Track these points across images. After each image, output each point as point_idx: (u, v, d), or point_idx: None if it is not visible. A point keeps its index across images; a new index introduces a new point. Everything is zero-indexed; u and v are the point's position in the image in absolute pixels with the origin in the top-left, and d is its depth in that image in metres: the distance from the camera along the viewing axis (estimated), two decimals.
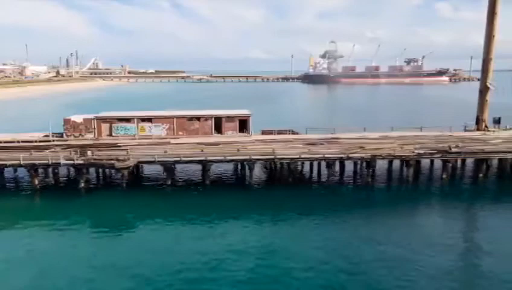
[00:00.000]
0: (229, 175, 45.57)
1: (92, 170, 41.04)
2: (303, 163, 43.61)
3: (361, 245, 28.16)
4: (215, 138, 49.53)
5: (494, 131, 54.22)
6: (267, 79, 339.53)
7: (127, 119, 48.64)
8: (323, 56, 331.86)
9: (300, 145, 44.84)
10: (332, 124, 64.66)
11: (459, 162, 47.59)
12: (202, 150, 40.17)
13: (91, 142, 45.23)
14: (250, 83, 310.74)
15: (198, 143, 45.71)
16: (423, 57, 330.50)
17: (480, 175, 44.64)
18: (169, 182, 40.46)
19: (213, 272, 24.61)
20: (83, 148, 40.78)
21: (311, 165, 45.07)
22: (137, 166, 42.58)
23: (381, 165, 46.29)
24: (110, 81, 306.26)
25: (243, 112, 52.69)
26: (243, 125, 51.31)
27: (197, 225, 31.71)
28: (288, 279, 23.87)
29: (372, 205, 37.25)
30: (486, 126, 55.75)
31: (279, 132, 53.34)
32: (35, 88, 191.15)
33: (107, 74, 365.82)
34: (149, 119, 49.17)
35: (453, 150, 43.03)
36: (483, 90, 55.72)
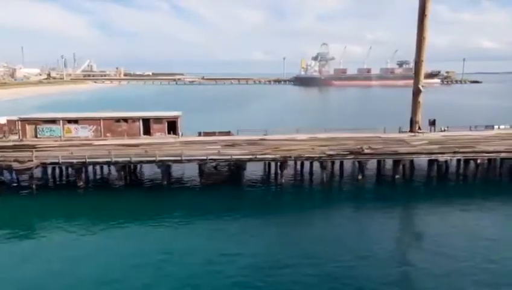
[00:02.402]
0: (144, 176, 46.05)
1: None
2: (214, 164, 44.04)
3: (264, 248, 28.26)
4: (143, 139, 49.98)
5: (424, 133, 54.41)
6: (259, 81, 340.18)
7: (52, 121, 49.17)
8: (315, 58, 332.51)
9: (219, 147, 45.24)
10: (285, 125, 64.95)
11: (383, 163, 47.96)
12: (110, 152, 40.57)
13: (11, 143, 45.78)
14: (242, 85, 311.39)
15: (120, 144, 46.24)
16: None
17: (397, 176, 44.88)
18: (81, 183, 40.94)
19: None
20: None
21: (231, 166, 45.57)
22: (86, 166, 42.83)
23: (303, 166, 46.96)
24: (102, 84, 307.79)
25: (172, 113, 53.11)
26: (172, 126, 51.75)
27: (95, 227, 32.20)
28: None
29: (277, 206, 37.65)
30: (419, 128, 55.97)
31: (220, 133, 53.73)
32: (15, 90, 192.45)
33: (102, 76, 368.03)
34: (75, 121, 49.67)
35: (366, 151, 43.31)
36: (416, 92, 55.95)
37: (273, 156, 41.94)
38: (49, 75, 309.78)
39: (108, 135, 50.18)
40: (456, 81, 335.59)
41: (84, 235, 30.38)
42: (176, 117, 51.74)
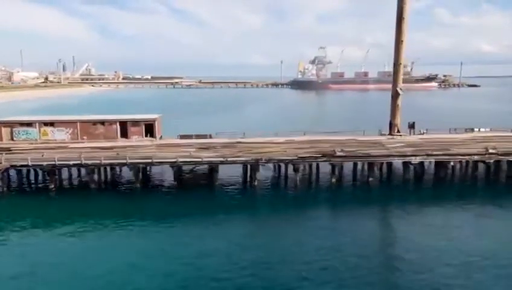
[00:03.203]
0: (119, 179, 46.15)
1: None
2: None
3: (236, 251, 28.25)
4: (120, 142, 50.07)
5: (402, 135, 54.42)
6: (257, 85, 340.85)
7: (28, 124, 49.31)
8: (312, 62, 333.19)
9: (193, 149, 45.31)
10: (272, 128, 64.73)
11: (362, 166, 47.91)
12: (80, 154, 40.66)
13: None
14: (240, 89, 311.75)
15: (95, 147, 46.32)
16: (412, 62, 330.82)
17: (371, 179, 44.86)
18: (52, 186, 41.04)
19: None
20: None
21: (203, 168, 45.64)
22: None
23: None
24: (99, 87, 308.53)
25: (150, 116, 53.27)
26: (150, 129, 51.85)
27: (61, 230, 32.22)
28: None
29: (244, 207, 37.67)
30: (398, 130, 55.97)
31: (197, 136, 53.79)
32: (11, 93, 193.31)
33: (101, 79, 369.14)
34: (51, 124, 49.81)
35: (338, 153, 43.33)
36: (394, 96, 55.98)
37: (244, 159, 42.00)
38: (46, 78, 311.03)
39: (85, 137, 50.25)
40: (454, 85, 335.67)
41: (51, 238, 30.45)
42: (154, 120, 51.85)
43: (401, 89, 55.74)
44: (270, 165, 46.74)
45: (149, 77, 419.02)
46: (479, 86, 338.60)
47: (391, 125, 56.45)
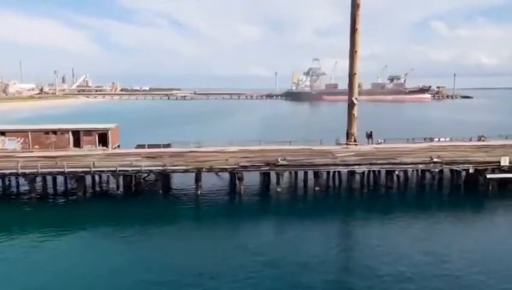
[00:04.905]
0: (61, 188, 46.10)
1: None
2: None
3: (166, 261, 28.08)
4: (71, 151, 50.21)
5: (357, 145, 54.42)
6: (251, 96, 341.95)
7: None
8: (307, 73, 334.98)
9: (138, 158, 45.35)
10: (244, 137, 64.86)
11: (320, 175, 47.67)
12: (17, 163, 40.72)
13: None
14: (234, 100, 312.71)
15: (43, 157, 46.43)
16: (406, 74, 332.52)
17: (317, 188, 44.73)
18: None
19: None
20: None
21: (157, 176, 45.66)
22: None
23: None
24: (94, 99, 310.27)
25: (103, 125, 53.51)
26: (103, 139, 52.03)
27: None
28: None
29: (177, 216, 37.57)
30: (355, 140, 56.00)
31: (150, 146, 53.95)
32: (4, 104, 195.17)
33: (98, 91, 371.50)
34: (2, 133, 50.07)
35: (280, 162, 43.30)
36: (350, 105, 56.16)
37: (184, 168, 42.03)
38: (41, 90, 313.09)
39: (36, 147, 50.46)
40: (447, 96, 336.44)
41: None
42: (107, 129, 52.06)
43: (356, 98, 55.94)
44: (225, 175, 46.60)
45: (147, 88, 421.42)
46: (472, 97, 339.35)
47: (348, 135, 56.54)
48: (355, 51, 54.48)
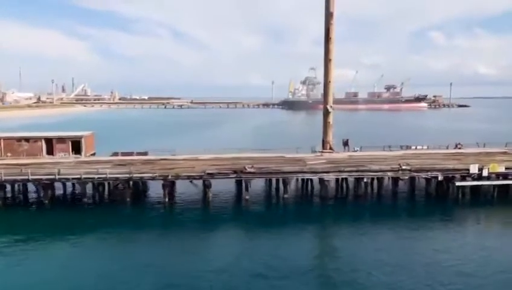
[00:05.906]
0: (30, 196, 45.92)
1: None
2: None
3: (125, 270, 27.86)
4: (44, 159, 50.16)
5: (331, 152, 54.31)
6: (248, 105, 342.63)
7: None
8: (303, 82, 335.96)
9: (108, 166, 45.28)
10: (228, 145, 64.81)
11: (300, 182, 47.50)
12: None
13: None
14: (231, 109, 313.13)
15: (12, 164, 46.41)
16: (402, 83, 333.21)
17: (286, 196, 44.55)
18: None
19: None
20: None
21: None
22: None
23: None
24: (91, 107, 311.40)
25: (76, 133, 53.52)
26: (76, 147, 52.01)
27: None
28: None
29: (144, 225, 37.40)
30: (331, 148, 55.91)
31: (124, 154, 53.98)
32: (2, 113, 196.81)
33: (96, 100, 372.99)
34: None
35: (248, 170, 43.18)
36: (325, 113, 56.18)
37: (150, 175, 41.93)
38: (38, 99, 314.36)
39: (9, 154, 50.44)
40: (444, 105, 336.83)
41: None
42: (80, 137, 52.07)
43: (331, 106, 55.98)
44: (198, 182, 46.36)
45: (146, 98, 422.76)
46: (469, 106, 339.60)
47: (323, 143, 56.48)
48: (330, 59, 54.65)
